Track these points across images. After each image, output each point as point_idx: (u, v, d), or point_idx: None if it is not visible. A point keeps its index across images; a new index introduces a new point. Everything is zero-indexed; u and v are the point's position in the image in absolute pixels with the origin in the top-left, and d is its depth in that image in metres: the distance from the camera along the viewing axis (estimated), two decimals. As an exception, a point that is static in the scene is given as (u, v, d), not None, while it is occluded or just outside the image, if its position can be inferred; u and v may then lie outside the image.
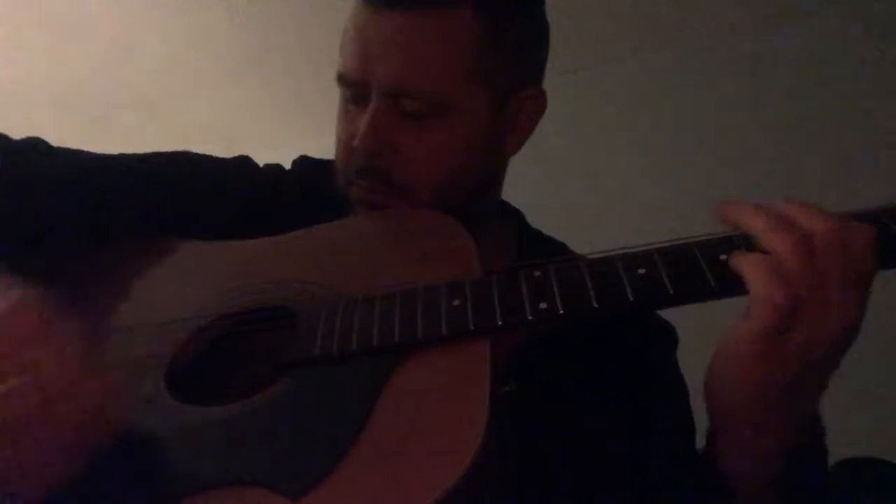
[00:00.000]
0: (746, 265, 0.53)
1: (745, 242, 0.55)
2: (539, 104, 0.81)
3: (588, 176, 2.18)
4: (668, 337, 0.83)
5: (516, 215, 0.88)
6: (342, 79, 0.74)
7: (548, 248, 0.82)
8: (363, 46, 0.72)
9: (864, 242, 0.52)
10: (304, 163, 0.89)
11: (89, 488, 0.56)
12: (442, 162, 0.75)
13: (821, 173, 1.95)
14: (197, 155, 0.85)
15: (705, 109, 2.17)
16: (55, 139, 0.81)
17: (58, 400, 0.50)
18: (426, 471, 0.49)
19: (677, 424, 0.77)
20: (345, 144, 0.75)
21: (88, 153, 0.81)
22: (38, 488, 0.51)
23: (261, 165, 0.88)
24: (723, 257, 0.55)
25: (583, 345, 0.72)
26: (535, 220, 0.90)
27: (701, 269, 0.55)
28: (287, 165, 0.90)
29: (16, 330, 0.51)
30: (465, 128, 0.74)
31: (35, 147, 0.78)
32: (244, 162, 0.87)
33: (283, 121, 2.57)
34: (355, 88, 0.73)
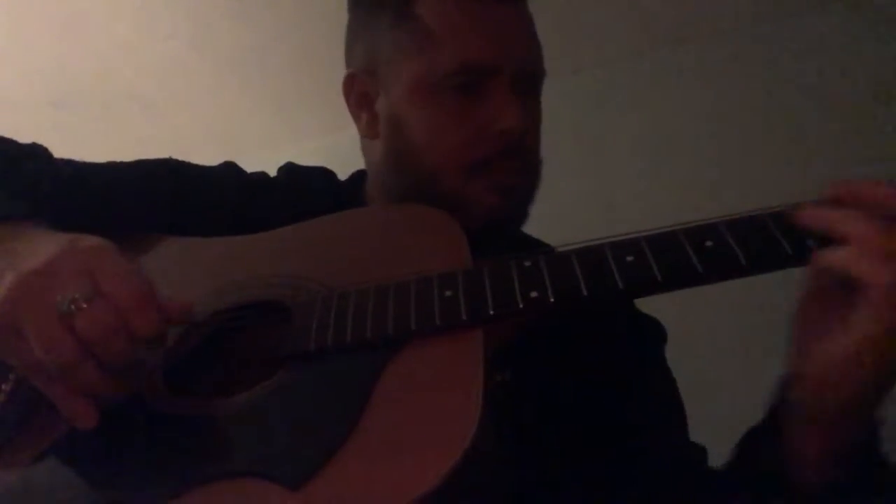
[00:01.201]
0: (849, 261, 0.51)
1: (731, 229, 0.56)
2: None
3: (587, 176, 2.18)
4: (657, 331, 0.86)
5: None
6: (467, 69, 0.75)
7: (532, 248, 0.84)
8: (497, 33, 0.77)
9: None
10: (289, 169, 0.90)
11: (87, 487, 0.56)
12: (539, 135, 0.82)
13: (821, 172, 1.95)
14: (181, 162, 0.86)
15: (705, 109, 2.17)
16: (55, 139, 0.81)
17: (129, 318, 0.55)
18: (421, 460, 0.49)
19: (668, 415, 0.79)
20: (473, 136, 0.76)
21: (80, 163, 0.82)
22: (111, 387, 0.56)
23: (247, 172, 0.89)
24: (708, 244, 0.56)
25: (576, 337, 0.74)
26: (533, 219, 0.90)
27: (687, 255, 0.56)
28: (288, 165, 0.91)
29: (91, 260, 0.57)
30: None
31: (36, 153, 0.79)
32: (229, 168, 0.88)
33: (283, 121, 2.57)
34: (476, 76, 0.75)
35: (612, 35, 2.19)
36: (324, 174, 0.91)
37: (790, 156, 2.03)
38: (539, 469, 0.67)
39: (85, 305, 0.54)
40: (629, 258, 0.57)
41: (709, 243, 0.56)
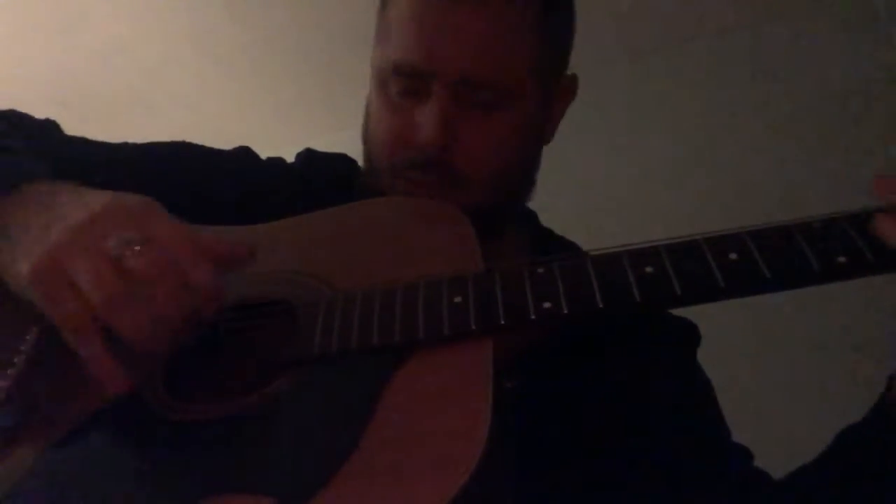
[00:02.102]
0: None
1: (756, 242, 0.53)
2: (572, 90, 0.82)
3: (588, 176, 2.18)
4: (685, 335, 0.82)
5: (529, 216, 0.87)
6: (400, 69, 0.72)
7: (559, 249, 0.81)
8: (431, 36, 0.71)
9: None
10: (307, 156, 0.88)
11: (84, 494, 0.56)
12: (503, 152, 0.75)
13: (821, 173, 1.95)
14: (196, 145, 0.85)
15: (705, 109, 2.16)
16: (55, 139, 0.81)
17: (181, 261, 0.55)
18: (428, 480, 0.48)
19: (699, 421, 0.76)
20: (395, 138, 0.73)
21: (91, 140, 0.81)
22: (153, 343, 0.55)
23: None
24: (732, 256, 0.53)
25: (593, 342, 0.71)
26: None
27: (710, 268, 0.53)
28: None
29: (140, 211, 0.57)
30: (523, 117, 0.75)
31: (49, 127, 0.78)
32: (245, 152, 0.87)
33: (284, 121, 2.57)
34: (412, 80, 0.72)
35: (612, 35, 2.19)
36: (343, 161, 0.89)
37: (790, 155, 2.03)
38: (545, 479, 0.66)
39: (138, 248, 0.54)
40: (648, 269, 0.55)
41: (733, 255, 0.53)
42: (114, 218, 0.56)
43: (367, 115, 0.78)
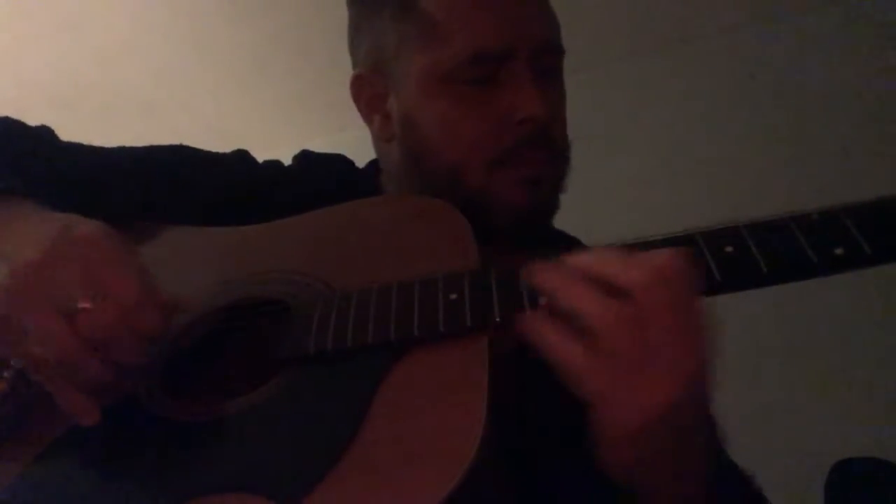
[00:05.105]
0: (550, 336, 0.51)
1: (753, 234, 0.53)
2: None
3: (586, 176, 2.18)
4: None
5: None
6: (479, 58, 0.72)
7: (558, 243, 0.81)
8: (506, 14, 0.73)
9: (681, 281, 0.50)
10: (304, 157, 0.88)
11: (81, 493, 0.56)
12: (564, 116, 0.78)
13: (820, 173, 1.95)
14: (194, 149, 0.85)
15: (705, 110, 2.17)
16: (55, 140, 0.81)
17: (131, 314, 0.55)
18: (422, 477, 0.48)
19: None
20: (490, 129, 0.72)
21: (88, 146, 0.81)
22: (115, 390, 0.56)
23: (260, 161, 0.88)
24: (728, 249, 0.53)
25: None
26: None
27: (706, 262, 0.53)
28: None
29: (87, 252, 0.56)
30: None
31: (42, 134, 0.78)
32: (242, 156, 0.87)
33: (284, 121, 2.57)
34: (486, 67, 0.72)
35: (612, 35, 2.19)
36: (341, 162, 0.88)
37: (789, 155, 2.04)
38: (544, 478, 0.65)
39: (87, 305, 0.53)
40: None
41: (729, 249, 0.53)
42: (62, 261, 0.55)
43: (423, 126, 0.76)
